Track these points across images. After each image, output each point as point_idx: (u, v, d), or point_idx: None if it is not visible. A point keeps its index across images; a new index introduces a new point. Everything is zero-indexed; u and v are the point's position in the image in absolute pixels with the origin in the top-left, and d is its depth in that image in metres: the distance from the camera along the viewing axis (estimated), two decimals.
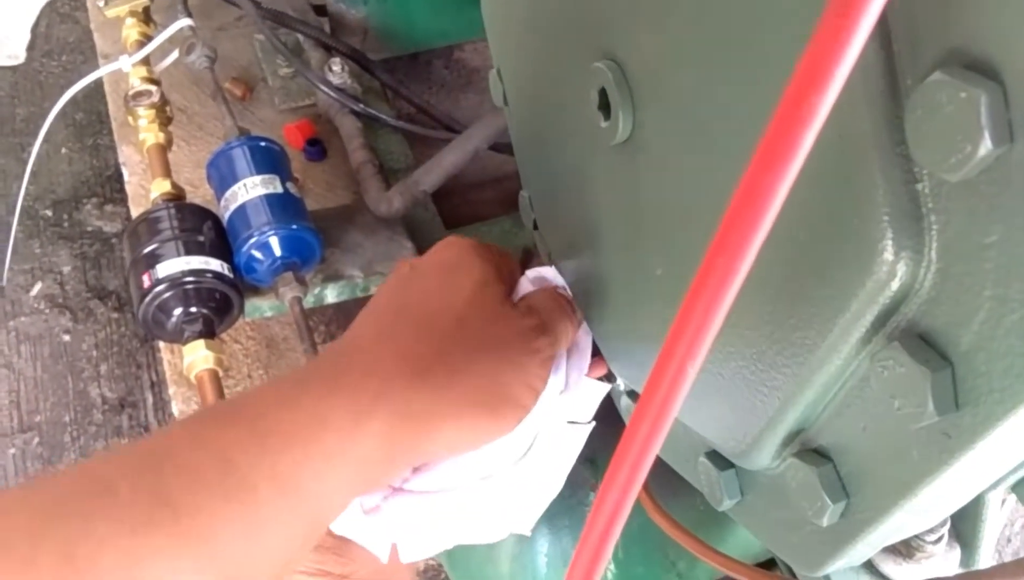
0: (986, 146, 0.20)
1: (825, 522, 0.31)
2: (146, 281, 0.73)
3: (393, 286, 0.42)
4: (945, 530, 0.41)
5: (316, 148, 0.95)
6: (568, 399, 0.45)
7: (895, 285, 0.24)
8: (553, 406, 0.44)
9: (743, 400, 0.33)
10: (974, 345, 0.23)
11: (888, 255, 0.24)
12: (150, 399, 1.19)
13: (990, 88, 0.20)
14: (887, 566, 0.42)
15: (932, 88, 0.21)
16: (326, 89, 0.89)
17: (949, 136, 0.21)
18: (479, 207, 0.97)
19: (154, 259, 0.74)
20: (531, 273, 0.47)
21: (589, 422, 0.47)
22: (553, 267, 0.48)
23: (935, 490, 0.27)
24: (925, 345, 0.25)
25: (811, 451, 0.32)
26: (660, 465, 0.53)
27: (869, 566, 0.42)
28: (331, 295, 0.83)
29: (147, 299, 0.73)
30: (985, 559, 0.43)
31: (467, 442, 0.38)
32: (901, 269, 0.24)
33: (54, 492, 0.29)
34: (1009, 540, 1.03)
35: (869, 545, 0.31)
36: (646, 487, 0.55)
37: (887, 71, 0.23)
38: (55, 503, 0.28)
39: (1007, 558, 1.08)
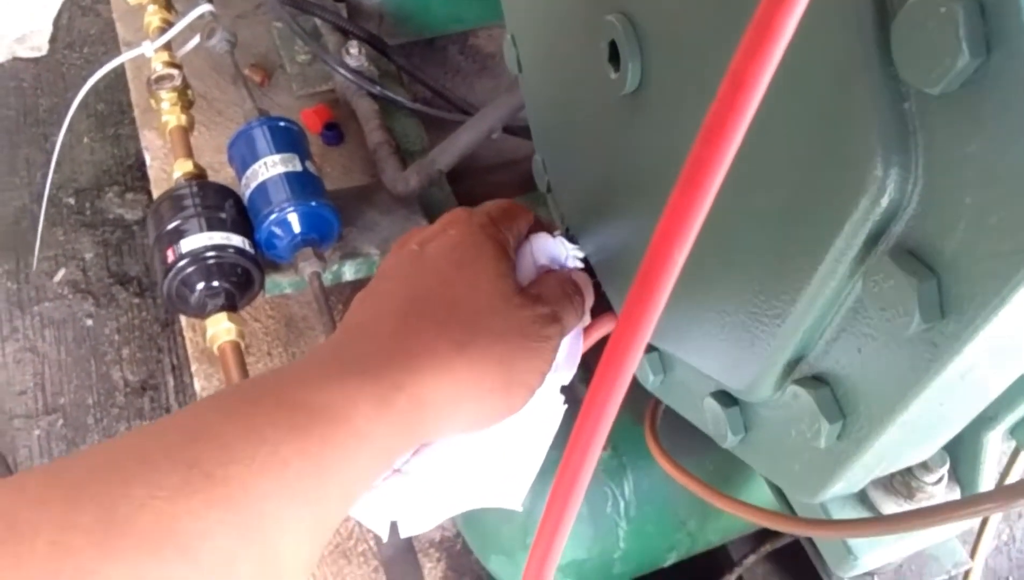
0: (964, 58, 0.22)
1: (823, 443, 0.32)
2: (170, 256, 0.75)
3: (402, 269, 0.42)
4: (945, 471, 0.43)
5: (333, 132, 0.97)
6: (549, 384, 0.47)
7: (885, 201, 0.26)
8: (548, 386, 0.45)
9: (746, 333, 0.35)
10: (957, 252, 0.25)
11: (879, 172, 0.26)
12: (171, 382, 1.22)
13: (967, 3, 0.22)
14: (888, 507, 0.43)
15: (915, 8, 0.23)
16: (344, 72, 0.91)
17: (931, 51, 0.22)
18: (494, 189, 0.98)
19: (177, 235, 0.76)
20: (537, 244, 0.47)
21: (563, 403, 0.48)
22: (560, 237, 0.48)
23: (925, 404, 0.29)
24: (913, 258, 0.26)
25: (810, 378, 0.33)
26: (672, 426, 0.55)
27: (872, 508, 0.44)
28: (349, 272, 0.85)
29: (171, 274, 0.75)
30: None
31: (481, 423, 0.41)
32: (891, 186, 0.26)
33: (90, 462, 0.30)
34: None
35: (865, 467, 0.33)
36: (658, 444, 0.56)
37: None
38: (91, 470, 0.29)
39: (1015, 562, 1.08)
